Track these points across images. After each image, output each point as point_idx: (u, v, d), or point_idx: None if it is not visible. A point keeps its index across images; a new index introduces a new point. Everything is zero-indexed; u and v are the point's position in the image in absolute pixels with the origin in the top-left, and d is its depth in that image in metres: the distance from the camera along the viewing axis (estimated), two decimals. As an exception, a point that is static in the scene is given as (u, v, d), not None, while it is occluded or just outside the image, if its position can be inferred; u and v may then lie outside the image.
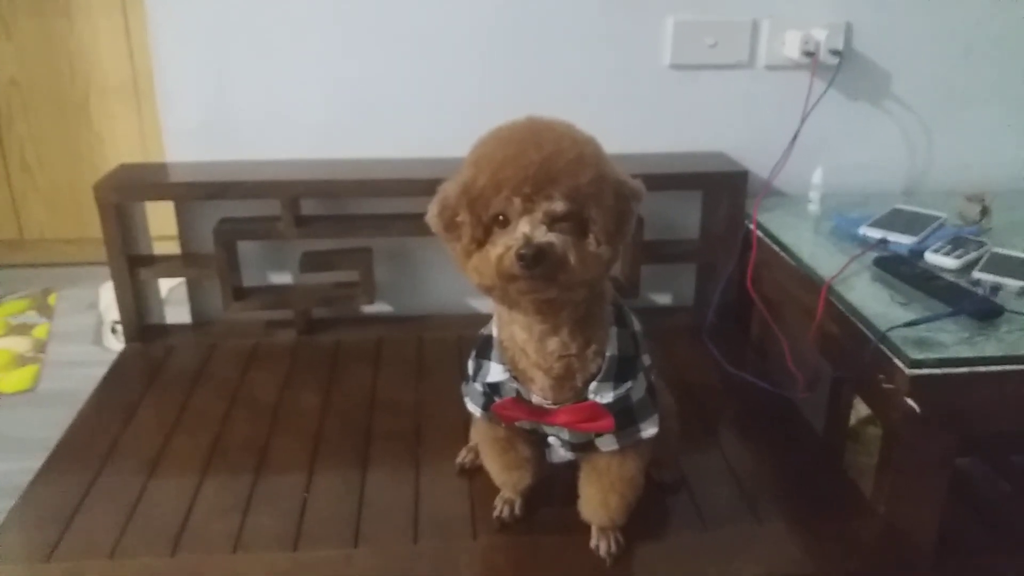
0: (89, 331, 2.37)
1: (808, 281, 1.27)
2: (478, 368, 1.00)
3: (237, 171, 1.51)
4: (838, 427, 1.39)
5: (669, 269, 1.70)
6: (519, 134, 0.85)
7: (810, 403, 1.35)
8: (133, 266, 1.51)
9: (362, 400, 1.36)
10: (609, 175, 0.86)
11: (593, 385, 0.94)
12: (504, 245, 0.82)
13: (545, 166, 0.82)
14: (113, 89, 2.71)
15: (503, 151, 0.84)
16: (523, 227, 0.82)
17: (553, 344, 0.92)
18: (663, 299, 1.74)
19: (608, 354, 0.94)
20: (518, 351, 0.95)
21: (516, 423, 1.02)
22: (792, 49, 1.54)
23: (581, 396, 0.95)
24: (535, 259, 0.80)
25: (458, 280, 1.01)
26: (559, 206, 0.82)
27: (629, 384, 0.95)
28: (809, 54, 1.53)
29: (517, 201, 0.82)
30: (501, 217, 0.84)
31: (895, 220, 1.39)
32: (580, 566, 1.02)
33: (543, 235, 0.81)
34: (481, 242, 0.85)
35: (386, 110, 1.55)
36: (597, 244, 0.85)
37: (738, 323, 1.59)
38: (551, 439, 1.05)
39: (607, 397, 0.94)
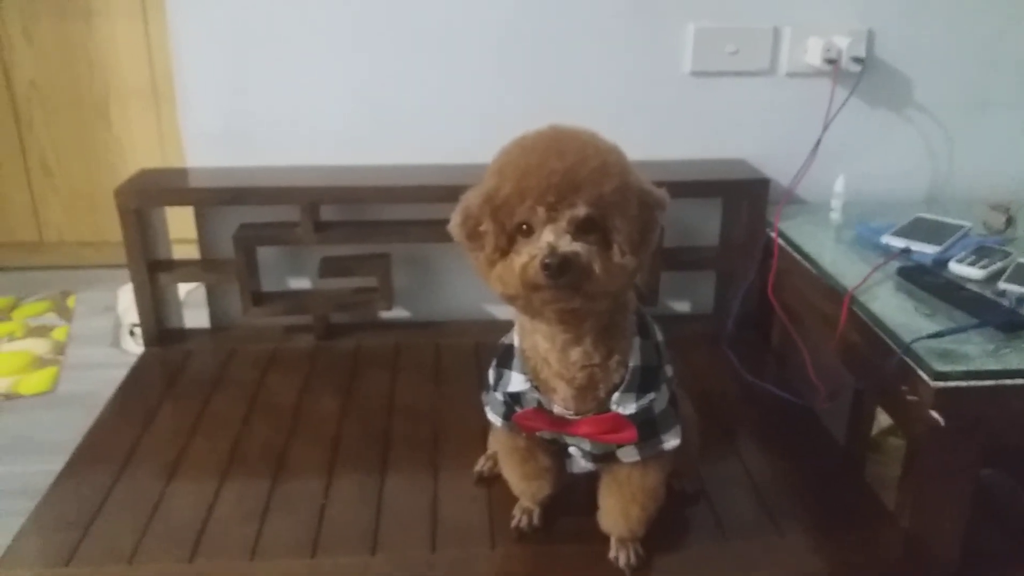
0: (107, 333, 2.37)
1: (830, 290, 1.26)
2: (499, 377, 0.99)
3: (257, 177, 1.51)
4: (859, 438, 1.38)
5: (689, 276, 1.69)
6: (542, 143, 0.85)
7: (831, 413, 1.33)
8: (153, 271, 1.51)
9: (380, 406, 1.36)
10: (633, 184, 0.85)
11: (616, 396, 0.94)
12: (528, 254, 0.82)
13: (569, 175, 0.81)
14: (132, 93, 2.72)
15: (526, 160, 0.83)
16: (547, 236, 0.81)
17: (576, 354, 0.91)
18: (682, 306, 1.73)
19: (631, 364, 0.93)
20: (540, 361, 0.94)
21: (537, 433, 1.01)
22: (814, 56, 1.53)
23: (603, 407, 0.94)
24: (560, 268, 0.80)
25: (476, 286, 1.01)
26: (583, 213, 0.82)
27: (652, 395, 0.94)
28: (831, 61, 1.52)
29: (541, 210, 0.82)
30: (525, 226, 0.84)
31: (918, 229, 1.38)
32: (599, 577, 1.01)
33: (568, 244, 0.81)
34: (504, 251, 0.85)
35: (405, 116, 1.55)
36: (621, 254, 0.84)
37: (758, 331, 1.58)
38: (571, 449, 1.04)
39: (630, 408, 0.94)
